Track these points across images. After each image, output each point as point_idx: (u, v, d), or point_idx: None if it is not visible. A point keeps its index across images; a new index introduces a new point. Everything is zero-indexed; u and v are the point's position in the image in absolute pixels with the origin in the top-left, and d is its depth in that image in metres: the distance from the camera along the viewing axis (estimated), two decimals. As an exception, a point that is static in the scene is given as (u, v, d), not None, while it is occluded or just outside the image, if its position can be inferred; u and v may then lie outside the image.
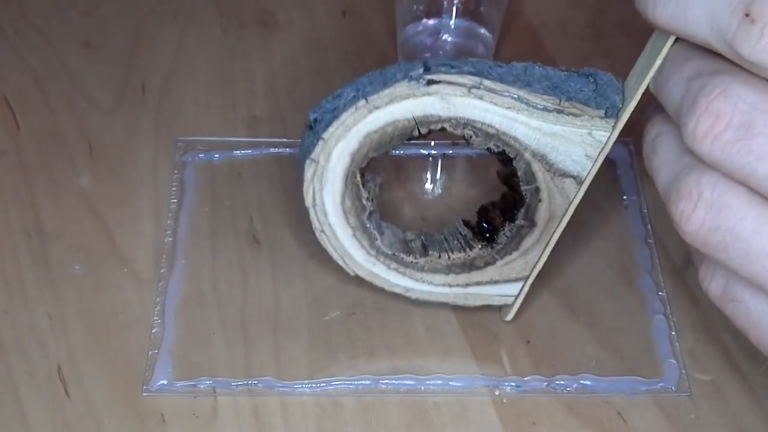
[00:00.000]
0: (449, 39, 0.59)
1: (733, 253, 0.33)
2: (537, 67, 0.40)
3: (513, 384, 0.44)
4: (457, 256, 0.44)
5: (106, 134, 0.55)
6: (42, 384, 0.44)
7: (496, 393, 0.44)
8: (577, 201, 0.41)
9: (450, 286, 0.45)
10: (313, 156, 0.41)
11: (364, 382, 0.44)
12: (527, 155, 0.40)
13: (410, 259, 0.45)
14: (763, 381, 0.44)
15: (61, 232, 0.50)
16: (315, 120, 0.41)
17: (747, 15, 0.30)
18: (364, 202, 0.43)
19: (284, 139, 0.55)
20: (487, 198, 0.45)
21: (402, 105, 0.40)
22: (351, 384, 0.44)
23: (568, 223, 0.42)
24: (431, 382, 0.44)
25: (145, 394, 0.44)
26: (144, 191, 0.52)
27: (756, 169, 0.31)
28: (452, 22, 0.58)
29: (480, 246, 0.44)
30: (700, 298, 0.47)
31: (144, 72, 0.59)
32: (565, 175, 0.40)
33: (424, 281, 0.45)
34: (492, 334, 0.46)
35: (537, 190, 0.41)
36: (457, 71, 0.39)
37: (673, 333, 0.46)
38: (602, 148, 0.39)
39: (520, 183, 0.41)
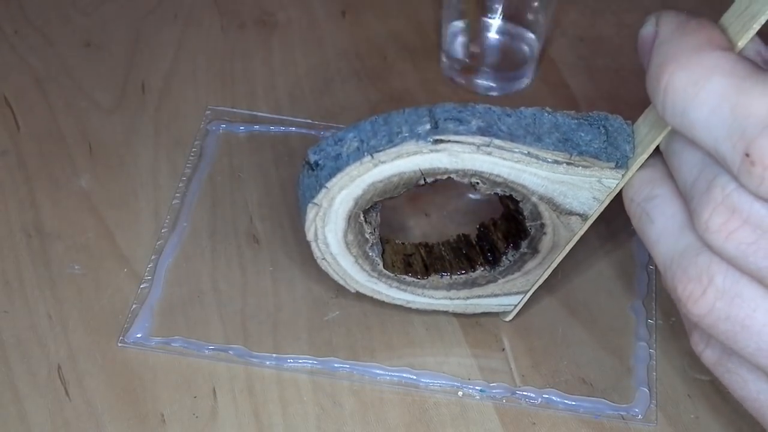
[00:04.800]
0: (494, 38, 0.59)
1: (743, 344, 0.32)
2: (546, 115, 0.39)
3: (478, 389, 0.44)
4: (459, 276, 0.45)
5: (106, 134, 0.55)
6: (42, 384, 0.44)
7: (481, 393, 0.44)
8: (581, 233, 0.41)
9: (451, 299, 0.45)
10: (315, 201, 0.40)
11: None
12: (534, 198, 0.40)
13: (412, 279, 0.45)
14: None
15: (61, 232, 0.50)
16: (316, 163, 0.41)
17: (747, 155, 0.28)
18: (367, 235, 0.43)
19: (308, 120, 0.56)
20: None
21: (409, 160, 0.39)
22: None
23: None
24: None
25: (119, 345, 0.45)
26: (144, 191, 0.52)
27: None
28: (497, 22, 0.58)
29: (482, 268, 0.44)
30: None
31: (144, 72, 0.59)
32: (571, 213, 0.40)
33: (425, 296, 0.45)
34: (492, 335, 0.46)
35: (542, 225, 0.41)
36: (466, 129, 0.38)
37: (652, 362, 0.45)
38: (610, 193, 0.39)
39: (526, 220, 0.41)
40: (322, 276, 0.48)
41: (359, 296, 0.47)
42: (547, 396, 0.44)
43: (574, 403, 0.44)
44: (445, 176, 0.40)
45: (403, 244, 0.46)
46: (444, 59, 0.59)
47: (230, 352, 0.45)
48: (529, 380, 0.45)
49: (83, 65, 0.59)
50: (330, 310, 0.47)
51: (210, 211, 0.51)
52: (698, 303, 0.32)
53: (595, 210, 0.40)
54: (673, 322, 0.47)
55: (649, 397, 0.44)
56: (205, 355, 0.45)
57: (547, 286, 0.47)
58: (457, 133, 0.38)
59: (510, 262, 0.44)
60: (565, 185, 0.39)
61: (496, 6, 0.58)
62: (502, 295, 0.45)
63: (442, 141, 0.38)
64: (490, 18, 0.58)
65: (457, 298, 0.45)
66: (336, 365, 0.45)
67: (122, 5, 0.63)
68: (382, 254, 0.44)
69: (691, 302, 0.32)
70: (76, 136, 0.55)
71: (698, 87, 0.29)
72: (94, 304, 0.47)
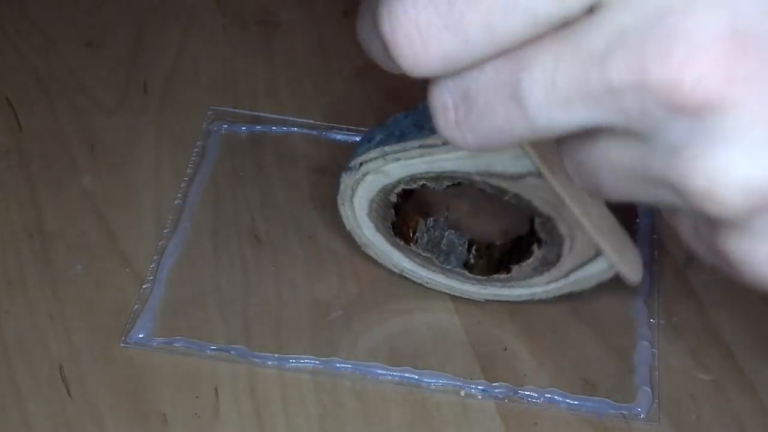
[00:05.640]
0: None
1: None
2: None
3: (480, 388, 0.44)
4: (528, 261, 0.45)
5: (108, 134, 0.55)
6: (44, 383, 0.44)
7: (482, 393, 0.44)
8: (561, 187, 0.40)
9: (548, 283, 0.45)
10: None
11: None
12: (476, 177, 0.41)
13: (501, 276, 0.46)
14: (765, 380, 0.44)
15: (62, 231, 0.50)
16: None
17: None
18: (424, 248, 0.46)
19: (310, 121, 0.56)
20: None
21: (361, 189, 0.44)
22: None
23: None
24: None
25: (121, 345, 0.45)
26: (146, 191, 0.52)
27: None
28: None
29: (539, 247, 0.44)
30: (702, 299, 0.47)
31: (146, 72, 0.59)
32: (519, 177, 0.40)
33: (528, 287, 0.46)
34: (494, 334, 0.46)
35: (515, 195, 0.41)
36: (367, 147, 0.42)
37: (654, 362, 0.45)
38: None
39: (498, 195, 0.42)
40: (324, 276, 0.48)
41: (362, 294, 0.47)
42: (549, 395, 0.44)
43: (576, 402, 0.44)
44: (399, 189, 0.43)
45: (494, 244, 0.47)
46: None
47: (232, 352, 0.45)
48: (531, 380, 0.45)
49: (85, 65, 0.59)
50: (332, 310, 0.47)
51: (212, 212, 0.51)
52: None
53: (536, 164, 0.39)
54: (675, 322, 0.47)
55: (651, 396, 0.44)
56: (207, 355, 0.45)
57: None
58: (360, 154, 0.42)
59: (541, 230, 0.43)
60: (480, 157, 0.40)
61: None
62: (585, 265, 0.44)
63: (362, 164, 0.42)
64: None
65: (554, 281, 0.45)
66: (338, 365, 0.45)
67: (124, 5, 0.63)
68: (476, 260, 0.46)
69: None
70: (77, 136, 0.55)
71: None
72: (96, 304, 0.47)
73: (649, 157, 0.26)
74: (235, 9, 0.63)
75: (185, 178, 0.52)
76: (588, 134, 0.27)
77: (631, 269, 0.43)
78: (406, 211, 0.47)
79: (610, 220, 0.43)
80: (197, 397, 0.44)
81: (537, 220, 0.42)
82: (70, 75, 0.58)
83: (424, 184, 0.42)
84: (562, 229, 0.42)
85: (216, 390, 0.44)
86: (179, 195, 0.52)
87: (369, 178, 0.43)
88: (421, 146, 0.41)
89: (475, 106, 0.28)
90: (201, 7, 0.63)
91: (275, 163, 0.54)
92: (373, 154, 0.42)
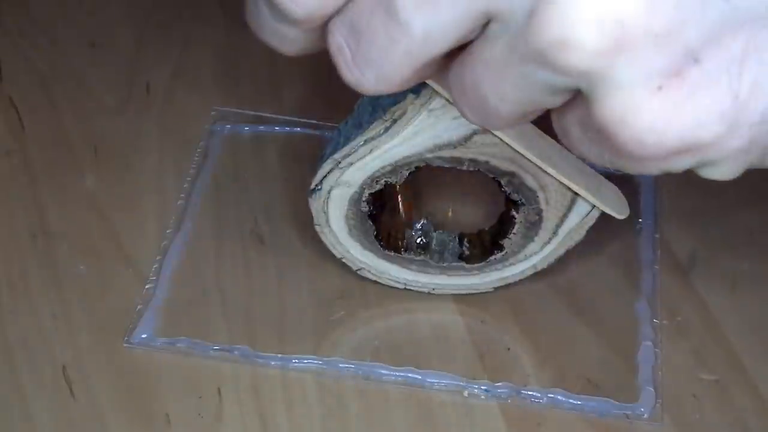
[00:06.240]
0: None
1: None
2: (364, 97, 0.42)
3: (483, 388, 0.44)
4: (515, 230, 0.44)
5: (112, 135, 0.55)
6: (47, 384, 0.44)
7: (487, 393, 0.44)
8: (509, 137, 0.40)
9: (543, 247, 0.45)
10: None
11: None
12: (428, 155, 0.41)
13: (497, 256, 0.46)
14: (768, 381, 0.44)
15: (66, 232, 0.50)
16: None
17: None
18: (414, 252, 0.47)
19: (313, 121, 0.56)
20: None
21: (332, 209, 0.44)
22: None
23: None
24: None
25: (125, 345, 0.45)
26: (149, 192, 0.52)
27: None
28: None
29: (516, 211, 0.44)
30: (705, 299, 0.47)
31: (149, 72, 0.59)
32: (466, 140, 0.40)
33: (525, 258, 0.46)
34: (497, 334, 0.46)
35: (472, 161, 0.41)
36: (321, 162, 0.43)
37: (657, 362, 0.45)
38: (449, 102, 0.39)
39: (456, 166, 0.42)
40: (327, 276, 0.48)
41: (365, 295, 0.47)
42: (552, 395, 0.44)
43: (579, 402, 0.44)
44: (366, 194, 0.43)
45: (484, 230, 0.47)
46: None
47: (235, 352, 0.45)
48: (535, 380, 0.45)
49: (88, 66, 0.59)
50: (335, 311, 0.47)
51: (215, 212, 0.51)
52: None
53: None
54: (678, 322, 0.47)
55: (654, 396, 0.44)
56: (210, 356, 0.45)
57: (553, 286, 0.47)
58: (317, 172, 0.43)
59: (516, 197, 0.43)
60: (422, 133, 0.40)
61: None
62: (570, 211, 0.43)
63: (322, 181, 0.43)
64: None
65: (547, 243, 0.45)
66: (341, 365, 0.45)
67: (127, 5, 0.63)
68: (470, 250, 0.47)
69: None
70: (81, 137, 0.55)
71: None
72: (100, 305, 0.47)
73: (513, 36, 0.27)
74: (238, 9, 0.63)
75: (188, 179, 0.52)
76: (465, 51, 0.29)
77: (615, 206, 0.44)
78: (388, 223, 0.47)
79: (576, 163, 0.43)
80: (200, 397, 0.44)
81: (503, 181, 0.42)
82: (73, 76, 0.58)
83: (385, 182, 0.43)
84: (529, 181, 0.42)
85: (219, 390, 0.44)
86: (182, 195, 0.52)
87: (334, 193, 0.43)
88: (365, 141, 0.41)
89: (362, 33, 0.29)
90: (204, 7, 0.63)
91: (278, 164, 0.54)
92: (327, 167, 0.42)
